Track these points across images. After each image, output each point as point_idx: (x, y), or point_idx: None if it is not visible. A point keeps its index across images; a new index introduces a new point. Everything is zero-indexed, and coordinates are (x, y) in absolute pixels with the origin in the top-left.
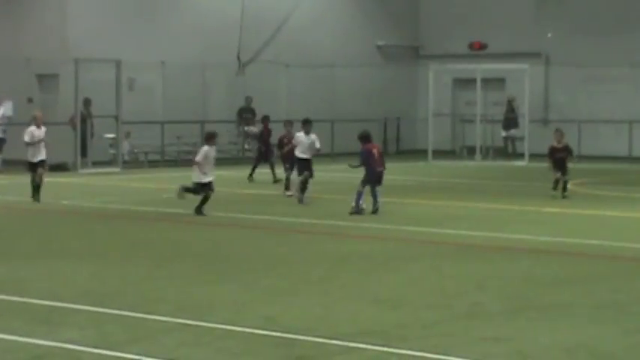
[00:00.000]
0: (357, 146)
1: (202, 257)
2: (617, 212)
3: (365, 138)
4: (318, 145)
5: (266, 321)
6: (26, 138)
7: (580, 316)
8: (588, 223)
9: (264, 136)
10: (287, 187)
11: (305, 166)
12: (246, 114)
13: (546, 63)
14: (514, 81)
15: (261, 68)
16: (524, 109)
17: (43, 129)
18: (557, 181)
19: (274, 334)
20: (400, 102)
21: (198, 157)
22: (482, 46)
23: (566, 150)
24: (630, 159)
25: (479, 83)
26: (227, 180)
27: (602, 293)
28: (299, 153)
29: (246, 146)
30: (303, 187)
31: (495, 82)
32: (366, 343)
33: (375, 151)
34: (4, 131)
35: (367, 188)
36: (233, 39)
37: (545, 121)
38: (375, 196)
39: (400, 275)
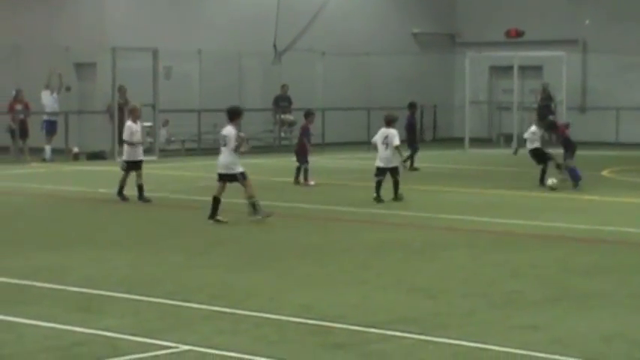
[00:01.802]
0: None
1: (238, 245)
2: None
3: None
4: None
5: (302, 309)
6: (125, 136)
7: (617, 304)
8: (626, 211)
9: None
10: (306, 179)
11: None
12: (282, 102)
13: (583, 50)
14: (551, 68)
15: (297, 56)
16: (560, 97)
17: (140, 124)
18: None
19: (310, 322)
20: (437, 90)
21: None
22: (519, 34)
23: None
24: None
25: (516, 71)
26: (263, 168)
27: (639, 282)
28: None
29: (282, 134)
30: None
31: (532, 70)
32: (403, 331)
33: None
34: (50, 122)
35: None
36: (269, 27)
37: (583, 109)
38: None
39: (437, 263)
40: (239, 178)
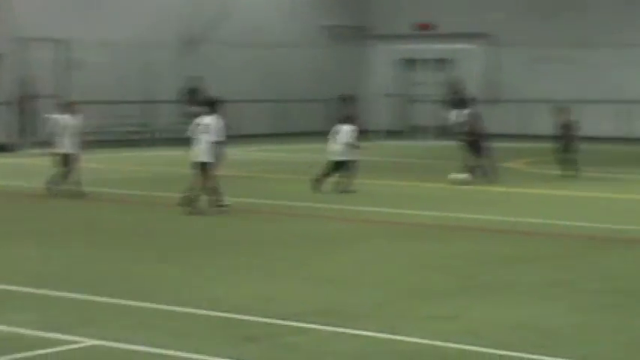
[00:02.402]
0: (305, 126)
1: (147, 238)
2: (563, 191)
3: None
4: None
5: (212, 302)
6: (56, 129)
7: (527, 293)
8: (535, 202)
9: None
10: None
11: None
12: (194, 94)
13: (494, 43)
14: (462, 61)
15: (207, 48)
16: (471, 90)
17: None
18: (563, 160)
19: (221, 314)
20: (348, 82)
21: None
22: (430, 27)
23: (571, 127)
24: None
25: (426, 64)
26: (174, 160)
27: (549, 271)
28: None
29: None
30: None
31: (443, 63)
32: (316, 323)
33: None
34: None
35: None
36: (180, 19)
37: (493, 101)
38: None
39: (349, 255)
40: (208, 167)
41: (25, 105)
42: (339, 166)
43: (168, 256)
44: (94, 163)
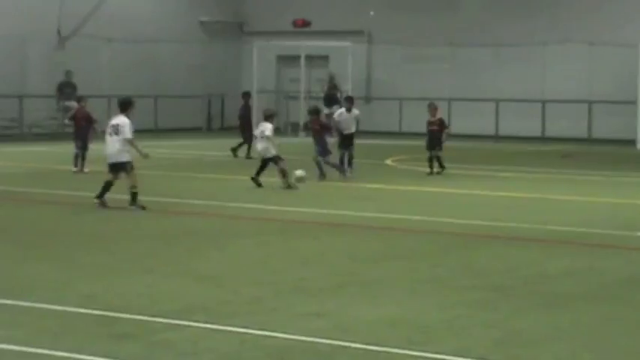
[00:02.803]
0: (181, 122)
1: (22, 235)
2: (434, 188)
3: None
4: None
5: (87, 299)
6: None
7: (401, 290)
8: (409, 198)
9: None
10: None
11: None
12: (66, 89)
13: (369, 41)
14: (338, 58)
15: (82, 42)
16: (346, 87)
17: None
18: (430, 159)
19: (95, 312)
20: (224, 78)
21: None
22: (306, 24)
23: (441, 124)
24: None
25: (303, 60)
26: (47, 156)
27: (423, 268)
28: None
29: (66, 121)
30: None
31: (319, 60)
32: (189, 320)
33: None
34: None
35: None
36: (53, 12)
37: (368, 99)
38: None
39: (225, 252)
40: (126, 167)
41: None
42: (266, 162)
43: (43, 253)
44: None
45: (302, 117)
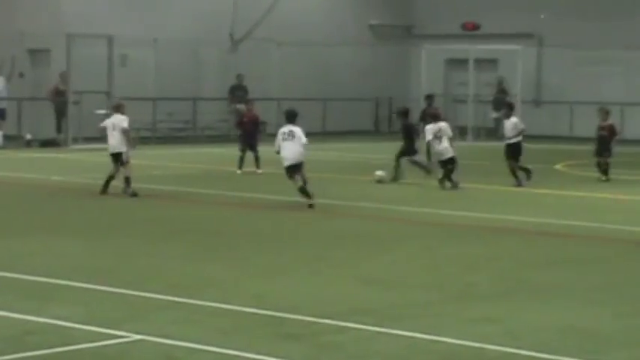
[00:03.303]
0: (349, 125)
1: (195, 235)
2: (607, 194)
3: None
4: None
5: (256, 299)
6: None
7: (572, 297)
8: (579, 204)
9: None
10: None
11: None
12: (238, 92)
13: (539, 44)
14: (507, 62)
15: (253, 46)
16: (515, 90)
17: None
18: (599, 164)
19: (264, 312)
20: (392, 82)
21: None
22: (475, 27)
23: (611, 130)
24: (621, 142)
25: (471, 64)
26: (218, 157)
27: (595, 275)
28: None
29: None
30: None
31: (488, 63)
32: (357, 323)
33: None
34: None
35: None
36: (226, 16)
37: (537, 103)
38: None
39: (393, 255)
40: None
41: (62, 100)
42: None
43: (215, 253)
44: (138, 160)
45: (470, 121)
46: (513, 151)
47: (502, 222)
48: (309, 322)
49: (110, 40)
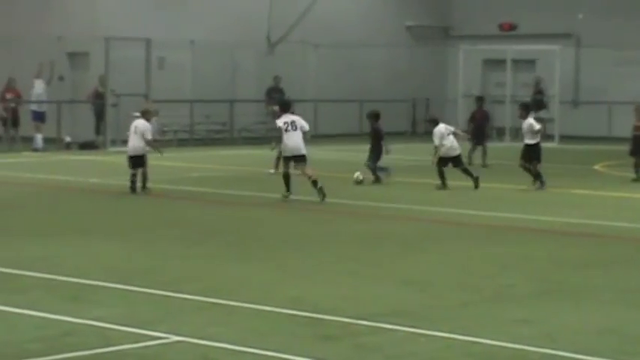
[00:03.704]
0: (386, 127)
1: (231, 236)
2: None
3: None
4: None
5: (294, 301)
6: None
7: (609, 299)
8: (617, 205)
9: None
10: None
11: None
12: (274, 94)
13: (577, 44)
14: (544, 62)
15: (290, 48)
16: (553, 91)
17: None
18: (636, 165)
19: (302, 313)
20: (429, 83)
21: None
22: (513, 27)
23: None
24: None
25: (509, 64)
26: (255, 159)
27: (632, 276)
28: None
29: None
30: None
31: (525, 64)
32: (394, 324)
33: None
34: (38, 112)
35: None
36: (263, 19)
37: (576, 103)
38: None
39: (428, 256)
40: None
41: (101, 103)
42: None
43: (252, 254)
44: (176, 162)
45: (507, 121)
46: (531, 153)
47: (536, 223)
48: (346, 323)
49: (148, 43)
